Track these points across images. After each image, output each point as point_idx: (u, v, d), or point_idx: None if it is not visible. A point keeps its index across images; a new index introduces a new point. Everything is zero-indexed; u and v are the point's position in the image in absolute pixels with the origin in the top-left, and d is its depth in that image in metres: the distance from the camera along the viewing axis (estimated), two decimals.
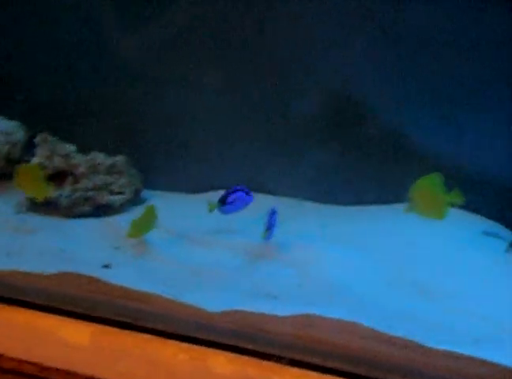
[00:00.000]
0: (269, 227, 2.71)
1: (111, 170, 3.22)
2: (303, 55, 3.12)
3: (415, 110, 3.03)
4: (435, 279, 2.56)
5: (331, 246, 2.74)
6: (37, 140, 3.26)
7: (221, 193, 2.89)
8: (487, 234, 2.90)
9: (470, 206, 2.98)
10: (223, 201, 2.85)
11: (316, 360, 2.10)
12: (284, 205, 3.10)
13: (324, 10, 3.03)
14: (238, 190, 2.84)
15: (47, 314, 2.34)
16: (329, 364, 2.08)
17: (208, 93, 3.27)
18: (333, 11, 3.02)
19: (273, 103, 3.20)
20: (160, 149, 3.40)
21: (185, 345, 2.19)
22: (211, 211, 2.86)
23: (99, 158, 3.24)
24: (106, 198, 3.14)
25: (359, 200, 3.16)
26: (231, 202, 2.84)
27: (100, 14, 3.34)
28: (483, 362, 1.95)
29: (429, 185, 2.43)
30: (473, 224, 2.97)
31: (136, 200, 3.25)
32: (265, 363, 2.11)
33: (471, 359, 1.95)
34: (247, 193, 2.85)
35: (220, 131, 3.30)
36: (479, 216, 3.02)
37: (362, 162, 3.13)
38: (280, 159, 3.24)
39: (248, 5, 3.13)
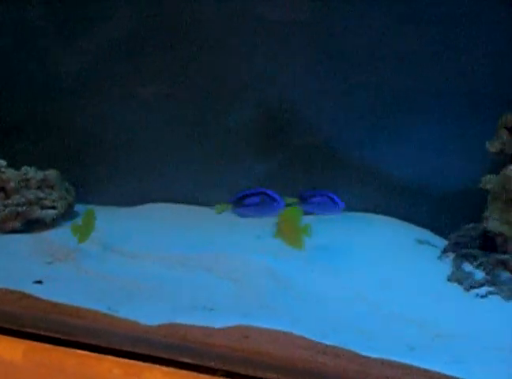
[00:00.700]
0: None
1: (42, 184, 3.18)
2: (238, 67, 3.13)
3: (347, 120, 3.06)
4: (370, 286, 2.58)
5: (267, 257, 2.74)
6: None
7: None
8: (420, 242, 2.94)
9: (403, 214, 3.03)
10: (239, 202, 2.73)
11: (252, 372, 2.09)
12: (220, 217, 3.10)
13: (258, 23, 3.05)
14: (261, 193, 2.68)
15: None
16: (265, 375, 2.07)
17: (144, 107, 3.26)
18: (267, 24, 3.04)
19: (209, 115, 3.21)
20: (94, 163, 3.37)
21: (120, 360, 2.17)
22: (219, 213, 2.79)
23: (31, 172, 3.19)
24: (37, 213, 3.10)
25: None
26: (249, 205, 2.71)
27: (32, 27, 3.31)
28: (418, 370, 1.96)
29: (290, 217, 2.57)
30: (406, 232, 3.02)
31: (69, 214, 3.21)
32: (201, 376, 2.10)
33: (405, 367, 1.96)
34: (273, 199, 2.68)
35: (155, 144, 3.29)
36: (411, 225, 3.06)
37: (297, 171, 3.15)
38: (216, 170, 3.24)
39: (180, 19, 3.13)
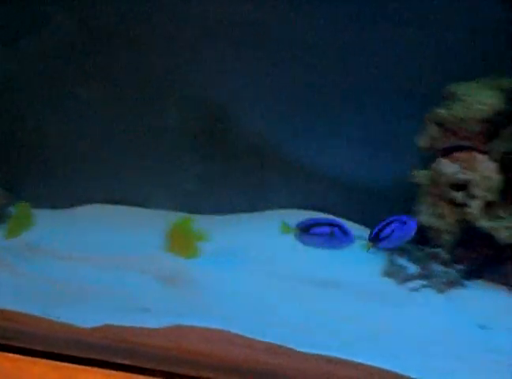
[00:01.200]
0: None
1: None
2: (174, 68, 3.12)
3: (280, 120, 3.07)
4: (306, 285, 2.60)
5: (202, 257, 2.73)
6: None
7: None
8: (355, 237, 2.95)
9: (339, 211, 3.05)
10: (306, 229, 2.51)
11: (189, 371, 2.08)
12: (156, 217, 3.09)
13: (197, 23, 3.04)
14: (333, 224, 2.49)
15: None
16: (202, 374, 2.07)
17: (80, 107, 3.22)
18: (205, 23, 3.03)
19: (147, 115, 3.19)
20: (30, 165, 3.32)
21: (54, 363, 2.14)
22: (284, 232, 2.59)
23: None
24: None
25: (228, 208, 3.18)
26: (316, 234, 2.50)
27: None
28: (355, 365, 1.98)
29: (180, 228, 2.62)
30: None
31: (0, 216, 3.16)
32: (138, 377, 2.09)
33: (342, 362, 1.98)
34: (344, 233, 2.50)
35: (93, 144, 3.25)
36: (344, 219, 3.07)
37: (231, 171, 3.16)
38: (154, 171, 3.23)
39: (117, 20, 3.11)
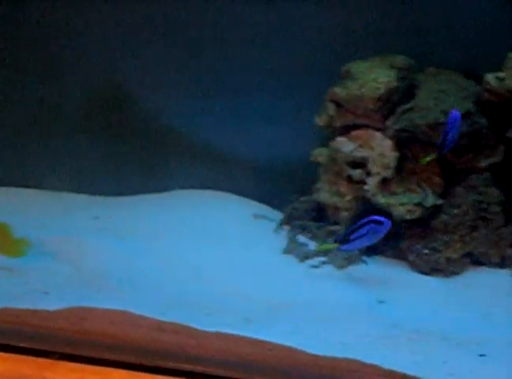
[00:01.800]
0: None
1: None
2: (73, 51, 3.08)
3: (182, 102, 3.07)
4: (208, 264, 2.61)
5: (103, 238, 2.72)
6: None
7: None
8: (256, 216, 2.99)
9: (240, 190, 3.07)
10: (345, 239, 2.50)
11: (91, 353, 2.07)
12: (53, 199, 3.05)
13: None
14: (368, 222, 2.46)
15: None
16: (105, 355, 2.06)
17: None
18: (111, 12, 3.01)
19: (42, 97, 3.14)
20: None
21: None
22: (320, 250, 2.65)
23: None
24: None
25: (125, 190, 3.16)
26: (355, 239, 2.48)
27: None
28: (253, 341, 2.00)
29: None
30: (242, 208, 3.05)
31: None
32: (39, 360, 2.07)
33: (241, 339, 2.00)
34: (380, 223, 2.46)
35: None
36: (248, 200, 3.10)
37: (127, 153, 3.14)
38: (45, 152, 3.18)
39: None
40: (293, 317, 2.29)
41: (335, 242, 2.53)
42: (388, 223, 2.44)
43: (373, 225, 2.45)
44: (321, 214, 2.81)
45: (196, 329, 2.02)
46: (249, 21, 2.93)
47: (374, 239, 2.49)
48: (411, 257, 2.63)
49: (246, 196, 3.10)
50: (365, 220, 2.45)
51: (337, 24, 2.83)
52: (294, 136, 2.94)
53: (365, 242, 2.49)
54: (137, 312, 2.07)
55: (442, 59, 2.72)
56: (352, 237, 2.47)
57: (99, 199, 3.13)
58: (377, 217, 2.45)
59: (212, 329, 2.02)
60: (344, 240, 2.49)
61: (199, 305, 2.32)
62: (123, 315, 2.07)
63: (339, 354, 1.94)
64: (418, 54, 2.74)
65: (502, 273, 2.55)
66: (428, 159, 2.49)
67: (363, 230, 2.46)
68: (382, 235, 2.48)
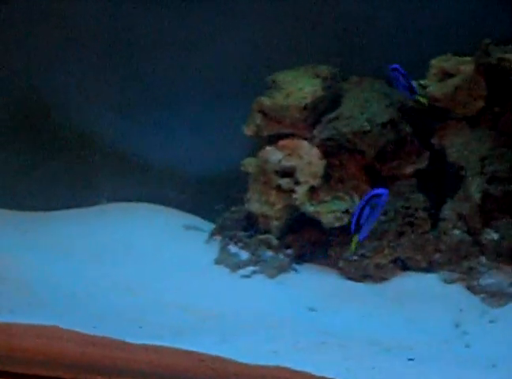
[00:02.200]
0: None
1: None
2: None
3: (108, 113, 3.05)
4: (139, 277, 2.60)
5: (31, 254, 2.68)
6: None
7: None
8: (187, 227, 2.99)
9: (172, 202, 3.07)
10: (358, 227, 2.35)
11: (21, 369, 2.04)
12: None
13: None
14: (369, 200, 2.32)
15: None
16: (34, 371, 2.03)
17: None
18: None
19: None
20: None
21: None
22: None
23: None
24: None
25: (54, 204, 3.11)
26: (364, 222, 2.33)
27: None
28: (184, 352, 1.99)
29: None
30: (173, 220, 3.04)
31: None
32: None
33: (171, 350, 1.99)
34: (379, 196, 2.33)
35: None
36: (179, 211, 3.09)
37: (55, 167, 3.09)
38: None
39: None
40: (225, 326, 2.30)
41: (353, 234, 2.43)
42: (386, 192, 2.39)
43: (372, 201, 2.33)
44: (252, 224, 2.82)
45: (126, 342, 2.01)
46: (175, 31, 2.93)
47: (379, 212, 2.36)
48: (341, 264, 2.65)
49: (176, 207, 3.09)
50: (363, 202, 2.38)
51: (264, 34, 2.85)
52: (224, 146, 2.95)
53: (373, 219, 2.44)
54: (66, 327, 2.05)
55: (366, 67, 2.77)
56: (361, 222, 2.34)
57: (27, 214, 3.09)
58: (373, 192, 2.34)
59: (143, 342, 2.01)
60: (358, 228, 2.42)
61: (131, 319, 2.30)
62: (52, 330, 2.04)
63: (270, 363, 1.95)
64: (342, 63, 2.77)
65: (429, 278, 2.58)
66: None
67: (367, 211, 2.43)
68: (384, 204, 2.35)
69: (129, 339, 2.01)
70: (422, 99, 2.51)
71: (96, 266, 2.66)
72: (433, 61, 2.61)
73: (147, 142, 3.05)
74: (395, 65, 2.44)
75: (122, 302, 2.44)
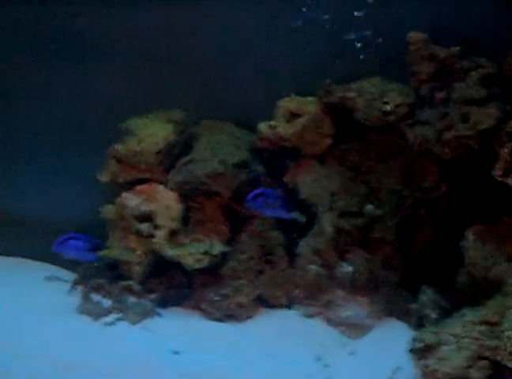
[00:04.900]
0: None
1: None
2: None
3: None
4: None
5: None
6: None
7: None
8: (49, 278, 2.95)
9: (32, 254, 3.03)
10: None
11: None
12: None
13: None
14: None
15: None
16: None
17: None
18: None
19: None
20: None
21: None
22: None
23: None
24: None
25: None
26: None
27: None
28: None
29: None
30: (34, 271, 3.01)
31: None
32: None
33: None
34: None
35: None
36: (41, 263, 3.06)
37: None
38: None
39: None
40: (87, 375, 2.29)
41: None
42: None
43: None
44: (114, 271, 2.80)
45: None
46: (30, 80, 2.94)
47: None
48: (203, 306, 2.67)
49: (39, 260, 3.05)
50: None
51: (113, 83, 2.89)
52: (84, 194, 2.95)
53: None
54: None
55: (217, 111, 2.83)
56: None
57: None
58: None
59: None
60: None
61: None
62: None
63: None
64: (194, 108, 2.83)
65: (290, 314, 2.64)
66: None
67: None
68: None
69: None
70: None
71: None
72: (279, 103, 2.68)
73: (4, 194, 3.02)
74: (256, 191, 2.54)
75: None
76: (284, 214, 2.57)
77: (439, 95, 2.42)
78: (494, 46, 2.46)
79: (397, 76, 2.56)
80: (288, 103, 2.67)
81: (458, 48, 2.44)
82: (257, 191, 2.52)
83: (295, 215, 2.58)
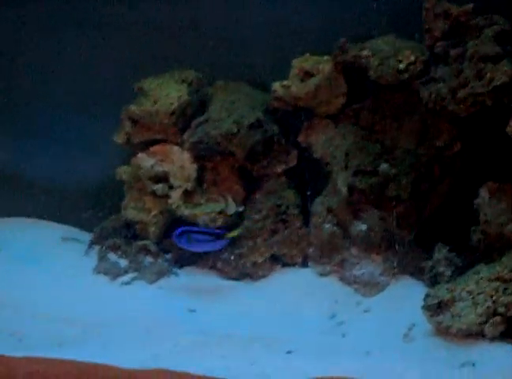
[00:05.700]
0: None
1: None
2: None
3: None
4: (16, 289, 2.58)
5: None
6: None
7: None
8: (65, 239, 2.98)
9: (48, 215, 3.05)
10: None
11: None
12: None
13: None
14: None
15: None
16: None
17: None
18: None
19: None
20: None
21: None
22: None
23: None
24: None
25: None
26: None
27: None
28: (65, 362, 2.00)
29: None
30: (51, 232, 3.03)
31: None
32: None
33: (51, 361, 1.99)
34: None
35: None
36: (56, 223, 3.08)
37: None
38: None
39: None
40: (106, 334, 2.32)
41: None
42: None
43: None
44: (130, 231, 2.83)
45: (4, 356, 1.99)
46: (40, 41, 2.94)
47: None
48: (219, 265, 2.70)
49: (54, 220, 3.07)
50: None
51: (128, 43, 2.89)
52: (98, 156, 2.95)
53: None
54: None
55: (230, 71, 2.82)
56: None
57: None
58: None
59: (22, 354, 2.00)
60: None
61: (9, 332, 2.29)
62: None
63: (151, 366, 1.97)
64: (206, 68, 2.82)
65: (304, 272, 2.65)
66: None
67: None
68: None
69: (8, 353, 2.01)
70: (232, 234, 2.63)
71: None
72: (294, 62, 2.67)
73: (18, 156, 3.03)
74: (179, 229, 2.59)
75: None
76: (213, 246, 2.63)
77: (453, 52, 2.40)
78: (507, 3, 2.44)
79: (411, 34, 2.56)
80: (303, 63, 2.66)
81: (472, 5, 2.43)
82: (180, 229, 2.58)
83: (227, 237, 2.63)
